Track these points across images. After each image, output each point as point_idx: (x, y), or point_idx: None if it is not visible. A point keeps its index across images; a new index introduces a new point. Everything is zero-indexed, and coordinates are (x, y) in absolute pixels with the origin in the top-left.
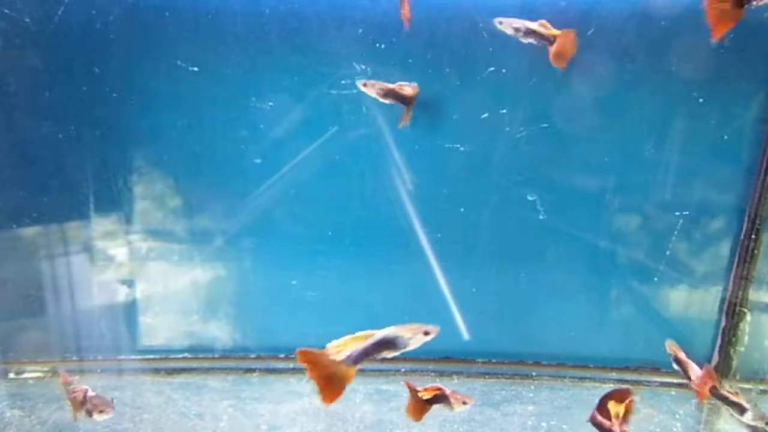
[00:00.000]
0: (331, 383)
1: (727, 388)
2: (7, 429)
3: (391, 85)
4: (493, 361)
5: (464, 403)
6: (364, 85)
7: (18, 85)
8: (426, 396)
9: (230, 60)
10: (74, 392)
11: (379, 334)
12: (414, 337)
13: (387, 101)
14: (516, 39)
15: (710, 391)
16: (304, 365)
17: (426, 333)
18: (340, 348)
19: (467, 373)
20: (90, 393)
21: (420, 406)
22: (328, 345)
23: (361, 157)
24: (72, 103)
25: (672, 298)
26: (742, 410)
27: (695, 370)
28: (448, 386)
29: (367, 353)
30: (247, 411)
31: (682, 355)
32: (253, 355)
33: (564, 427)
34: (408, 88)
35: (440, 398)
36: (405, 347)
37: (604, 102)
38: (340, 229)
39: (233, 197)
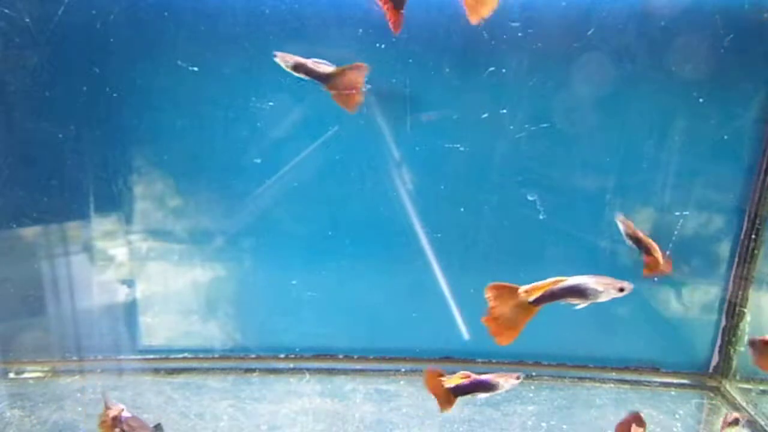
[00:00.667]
0: (508, 320)
1: None
2: (7, 429)
3: (303, 60)
4: (493, 361)
5: (517, 378)
6: (275, 56)
7: (18, 85)
8: (449, 384)
9: (230, 60)
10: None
11: (572, 280)
12: (606, 290)
13: (299, 75)
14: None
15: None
16: (488, 298)
17: (621, 289)
18: (534, 290)
19: None
20: (126, 414)
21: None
22: (523, 286)
23: (361, 157)
24: (72, 103)
25: (672, 298)
26: None
27: (657, 250)
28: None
29: (554, 296)
30: (247, 411)
31: (640, 234)
32: (253, 355)
33: (564, 427)
34: (325, 66)
35: (472, 388)
36: (594, 298)
37: (604, 102)
38: (340, 229)
39: (233, 197)
